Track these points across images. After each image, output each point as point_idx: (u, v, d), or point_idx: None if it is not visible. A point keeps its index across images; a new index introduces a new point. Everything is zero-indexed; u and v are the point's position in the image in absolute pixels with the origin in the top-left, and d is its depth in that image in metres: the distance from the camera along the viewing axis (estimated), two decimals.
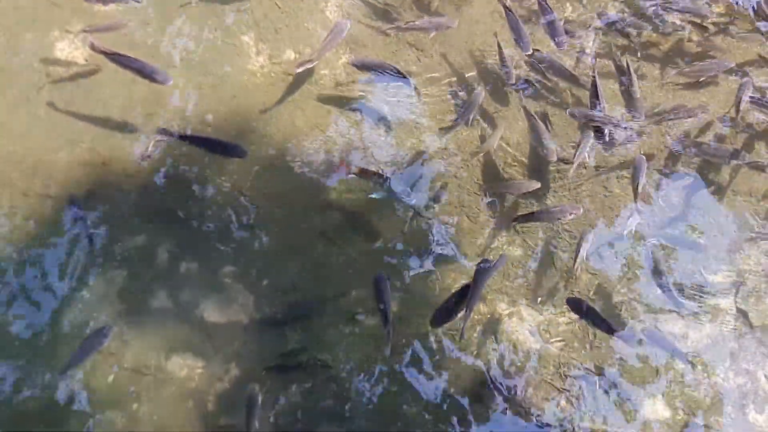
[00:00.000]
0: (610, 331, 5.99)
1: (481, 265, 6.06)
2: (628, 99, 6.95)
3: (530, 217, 6.47)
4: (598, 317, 6.03)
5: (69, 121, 6.44)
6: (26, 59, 6.64)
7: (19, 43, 6.69)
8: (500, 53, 6.99)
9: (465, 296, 5.92)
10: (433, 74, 7.04)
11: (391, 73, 6.73)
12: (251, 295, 6.03)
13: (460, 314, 5.91)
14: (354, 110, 6.77)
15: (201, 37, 6.92)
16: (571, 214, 6.34)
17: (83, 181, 6.23)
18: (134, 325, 5.85)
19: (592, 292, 6.27)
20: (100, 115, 6.48)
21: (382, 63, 6.85)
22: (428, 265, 6.26)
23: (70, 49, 6.71)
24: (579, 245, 6.32)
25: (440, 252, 6.31)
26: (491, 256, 6.25)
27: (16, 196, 6.13)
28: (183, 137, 6.37)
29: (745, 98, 6.76)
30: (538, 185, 6.48)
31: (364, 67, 6.84)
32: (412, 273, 6.22)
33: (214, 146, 6.42)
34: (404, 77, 6.76)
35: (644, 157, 6.62)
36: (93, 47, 6.47)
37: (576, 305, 6.13)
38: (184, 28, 6.94)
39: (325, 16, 7.12)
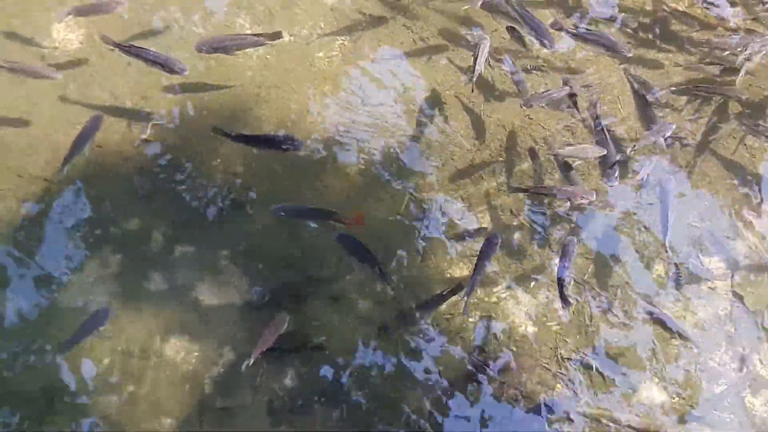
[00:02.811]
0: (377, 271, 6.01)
1: (490, 240, 6.07)
2: None
3: (540, 190, 6.43)
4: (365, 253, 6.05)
5: (65, 104, 6.43)
6: (22, 42, 6.63)
7: (15, 26, 6.67)
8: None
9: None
10: (431, 53, 7.04)
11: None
12: (246, 277, 6.03)
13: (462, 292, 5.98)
14: (350, 92, 6.75)
15: (195, 20, 6.90)
16: (582, 197, 6.29)
17: (79, 163, 6.21)
18: (129, 307, 5.85)
19: (586, 276, 6.26)
20: (96, 98, 6.47)
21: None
22: (422, 246, 6.25)
23: (66, 32, 6.70)
24: (476, 54, 6.51)
25: (435, 234, 6.30)
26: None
27: (10, 177, 6.13)
28: (238, 137, 6.34)
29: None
30: (605, 152, 6.46)
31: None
32: (405, 254, 6.21)
33: (270, 142, 6.42)
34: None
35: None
36: (105, 40, 6.43)
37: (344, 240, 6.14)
38: (177, 11, 6.92)
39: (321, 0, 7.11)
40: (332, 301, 6.01)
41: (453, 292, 6.05)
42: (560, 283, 5.99)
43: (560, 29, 6.99)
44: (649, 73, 7.15)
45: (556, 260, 6.16)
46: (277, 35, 6.69)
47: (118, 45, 6.39)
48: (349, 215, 6.15)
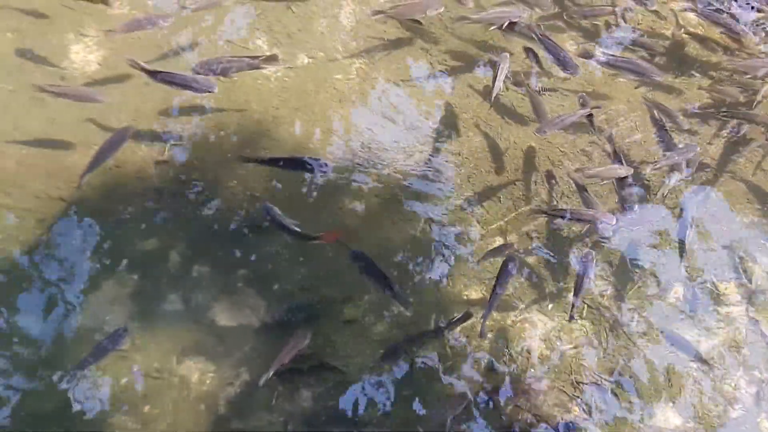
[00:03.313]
0: (390, 289, 5.97)
1: (507, 263, 6.06)
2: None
3: (561, 213, 6.43)
4: (377, 272, 6.02)
5: (82, 123, 6.46)
6: (41, 61, 6.67)
7: (33, 45, 6.72)
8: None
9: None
10: (449, 76, 7.06)
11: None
12: (262, 298, 6.02)
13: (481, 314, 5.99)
14: (367, 115, 6.77)
15: (215, 41, 6.94)
16: (602, 222, 6.29)
17: (96, 183, 6.24)
18: (146, 328, 5.84)
19: (605, 299, 6.25)
20: (113, 117, 6.49)
21: None
22: (439, 269, 6.25)
23: (85, 53, 6.74)
24: (497, 72, 6.56)
25: (451, 256, 6.30)
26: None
27: (28, 198, 6.14)
28: (269, 161, 6.37)
29: None
30: (630, 171, 6.46)
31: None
32: (421, 277, 6.21)
33: (298, 164, 6.42)
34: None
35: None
36: (133, 64, 6.47)
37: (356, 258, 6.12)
38: (197, 33, 6.96)
39: (339, 21, 7.13)
40: (348, 323, 6.00)
41: (462, 320, 6.05)
42: (576, 291, 6.04)
43: (589, 57, 7.02)
44: (668, 97, 7.16)
45: (572, 283, 6.16)
46: (273, 58, 6.70)
47: (144, 70, 6.43)
48: (325, 234, 6.18)
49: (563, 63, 6.86)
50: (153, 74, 6.43)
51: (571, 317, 6.08)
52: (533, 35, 6.99)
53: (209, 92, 6.43)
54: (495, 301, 5.93)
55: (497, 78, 6.66)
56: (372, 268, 6.02)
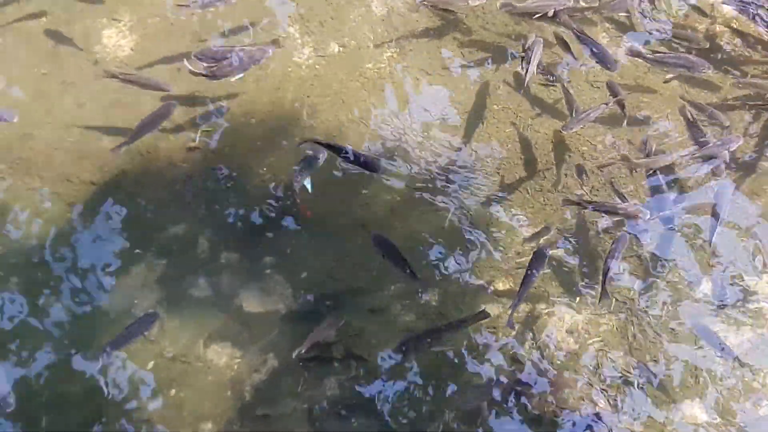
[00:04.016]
0: (413, 275, 5.97)
1: (538, 253, 6.06)
2: None
3: (594, 205, 6.36)
4: (398, 256, 6.01)
5: (114, 109, 6.50)
6: (73, 46, 6.72)
7: (67, 30, 6.76)
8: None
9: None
10: (480, 66, 7.05)
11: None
12: (289, 285, 6.04)
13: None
14: (398, 104, 6.76)
15: (245, 29, 6.96)
16: (635, 214, 6.26)
17: (127, 168, 6.28)
18: (174, 312, 5.89)
19: (631, 293, 6.22)
20: (145, 104, 6.53)
21: None
22: (466, 261, 6.24)
23: (117, 38, 6.78)
24: (530, 56, 6.56)
25: (479, 248, 6.29)
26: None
27: (60, 181, 6.20)
28: (330, 146, 6.39)
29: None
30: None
31: None
32: (449, 268, 6.20)
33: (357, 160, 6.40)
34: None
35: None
36: (192, 71, 6.58)
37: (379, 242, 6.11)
38: (229, 20, 6.98)
39: (371, 10, 7.13)
40: (374, 312, 6.01)
41: (477, 318, 6.03)
42: (605, 273, 5.99)
43: (638, 55, 6.98)
44: (703, 92, 7.10)
45: (599, 277, 6.13)
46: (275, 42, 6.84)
47: (200, 74, 6.53)
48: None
49: (603, 60, 6.82)
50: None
51: (603, 296, 6.03)
52: (571, 31, 6.95)
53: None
54: (525, 292, 5.91)
55: (530, 62, 6.63)
56: (391, 249, 6.04)
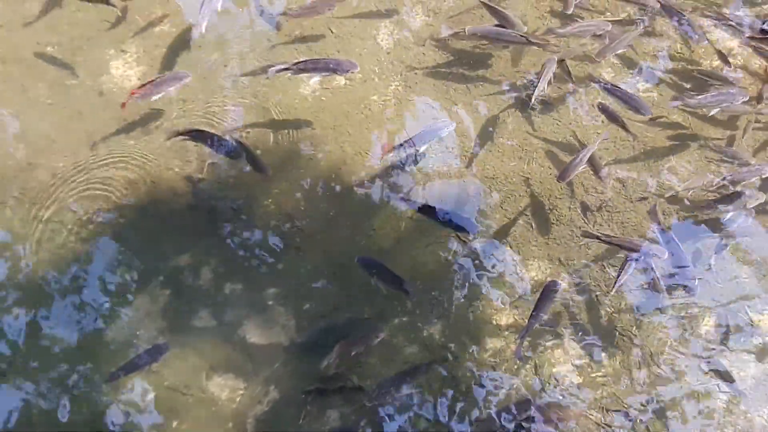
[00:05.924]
0: (406, 291, 6.06)
1: (549, 285, 6.07)
2: None
3: (612, 240, 6.36)
4: (388, 274, 6.06)
5: (119, 138, 6.52)
6: (81, 77, 6.75)
7: (74, 61, 6.79)
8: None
9: None
10: (486, 99, 7.07)
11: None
12: (292, 317, 6.04)
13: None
14: (403, 136, 6.77)
15: (250, 60, 7.00)
16: (653, 253, 6.31)
17: (132, 198, 6.29)
18: (176, 342, 5.88)
19: (634, 328, 6.21)
20: (150, 133, 6.55)
21: None
22: (469, 294, 6.24)
23: (124, 68, 6.80)
24: (542, 73, 6.61)
25: (483, 280, 6.28)
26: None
27: (63, 211, 6.21)
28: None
29: None
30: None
31: None
32: (453, 301, 6.20)
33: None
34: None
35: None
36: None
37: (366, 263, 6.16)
38: (234, 54, 7.02)
39: (377, 43, 7.15)
40: (379, 344, 5.99)
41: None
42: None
43: (682, 103, 6.94)
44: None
45: (604, 311, 6.14)
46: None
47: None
48: None
49: (637, 107, 6.82)
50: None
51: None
52: (599, 86, 6.96)
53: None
54: (533, 325, 5.92)
55: (541, 79, 6.68)
56: (380, 268, 6.09)
